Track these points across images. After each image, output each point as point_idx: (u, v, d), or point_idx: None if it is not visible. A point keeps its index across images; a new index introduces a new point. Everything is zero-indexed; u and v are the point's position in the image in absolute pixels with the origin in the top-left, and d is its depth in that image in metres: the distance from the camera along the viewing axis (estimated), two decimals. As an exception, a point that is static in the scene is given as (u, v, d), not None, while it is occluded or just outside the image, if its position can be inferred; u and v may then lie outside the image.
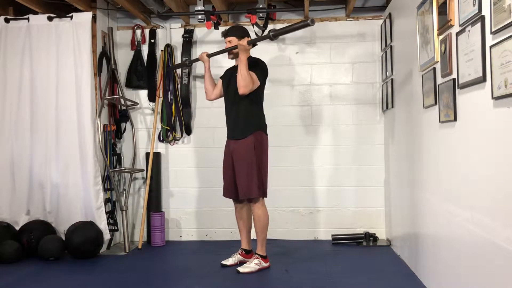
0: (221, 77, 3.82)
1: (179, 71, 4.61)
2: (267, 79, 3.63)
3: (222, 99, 3.75)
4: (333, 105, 4.55)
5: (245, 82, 3.37)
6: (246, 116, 3.51)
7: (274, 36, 3.29)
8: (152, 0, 4.20)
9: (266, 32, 4.33)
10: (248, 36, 3.61)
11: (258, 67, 3.54)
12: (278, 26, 4.56)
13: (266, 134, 3.58)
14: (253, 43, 3.46)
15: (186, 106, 4.60)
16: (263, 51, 4.51)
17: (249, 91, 3.42)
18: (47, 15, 4.17)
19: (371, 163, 4.49)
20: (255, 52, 4.43)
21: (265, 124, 3.60)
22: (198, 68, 4.66)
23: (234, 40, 3.57)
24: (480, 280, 2.19)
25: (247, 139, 3.47)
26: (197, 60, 4.05)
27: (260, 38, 3.53)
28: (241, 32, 3.59)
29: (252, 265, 3.51)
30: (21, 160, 4.19)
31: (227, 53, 3.64)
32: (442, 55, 2.64)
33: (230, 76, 3.65)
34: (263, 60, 3.67)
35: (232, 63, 3.77)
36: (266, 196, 3.56)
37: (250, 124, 3.50)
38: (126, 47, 4.71)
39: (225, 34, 3.63)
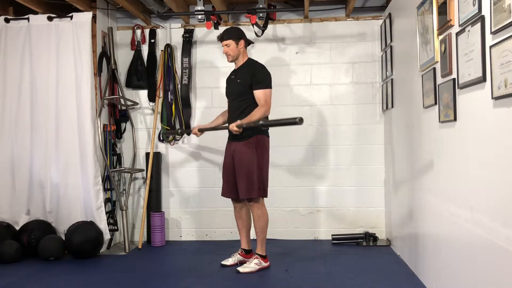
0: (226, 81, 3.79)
1: (179, 71, 4.60)
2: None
3: (224, 100, 3.75)
4: (333, 105, 4.55)
5: (262, 114, 3.40)
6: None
7: (263, 126, 3.32)
8: (152, 0, 4.20)
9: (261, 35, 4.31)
10: (244, 37, 3.58)
11: (263, 77, 3.49)
12: (278, 26, 4.57)
13: (268, 136, 3.58)
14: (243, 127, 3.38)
15: (186, 106, 4.60)
16: (263, 51, 4.53)
17: (270, 106, 3.47)
18: (47, 15, 4.17)
19: (371, 163, 4.49)
20: (255, 52, 4.46)
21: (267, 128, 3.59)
22: (199, 68, 4.66)
23: (231, 43, 3.51)
24: (480, 280, 2.19)
25: (248, 140, 3.47)
26: (189, 132, 4.09)
27: (249, 127, 3.37)
28: (236, 34, 3.54)
29: (252, 265, 3.51)
30: (21, 160, 4.19)
31: (226, 56, 3.60)
32: (442, 55, 2.64)
33: (230, 80, 3.65)
34: (263, 61, 3.65)
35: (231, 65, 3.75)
36: (266, 196, 3.56)
37: (252, 129, 3.48)
38: (126, 47, 4.71)
39: (221, 38, 3.55)
